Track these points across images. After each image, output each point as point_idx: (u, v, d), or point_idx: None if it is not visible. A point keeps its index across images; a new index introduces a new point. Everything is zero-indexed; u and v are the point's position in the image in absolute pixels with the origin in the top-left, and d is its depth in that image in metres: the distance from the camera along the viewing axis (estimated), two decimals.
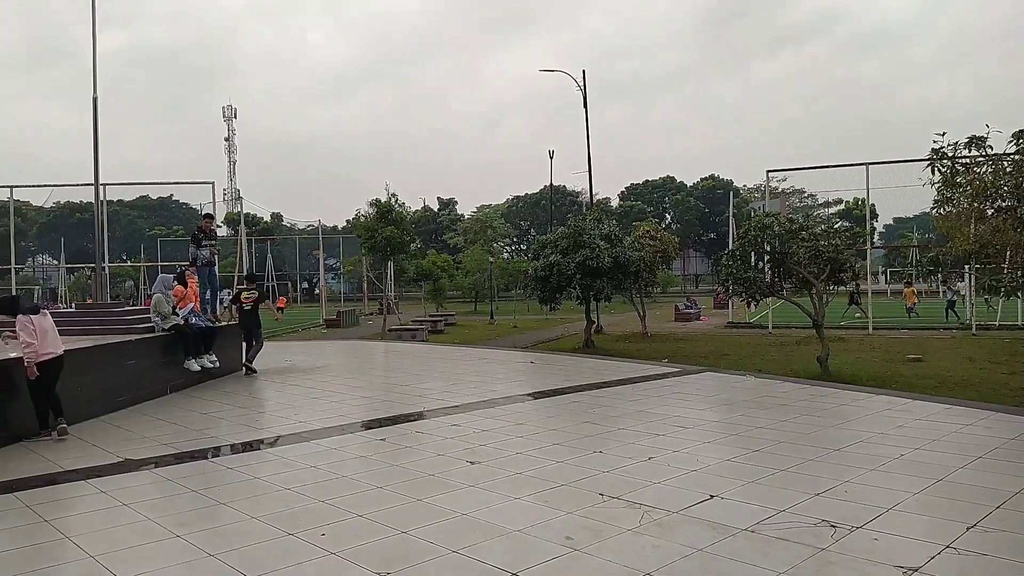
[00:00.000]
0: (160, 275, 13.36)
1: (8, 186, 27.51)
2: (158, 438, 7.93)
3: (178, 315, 11.46)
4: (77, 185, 34.74)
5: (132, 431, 8.32)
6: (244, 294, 13.81)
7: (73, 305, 29.87)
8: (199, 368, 11.49)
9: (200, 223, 15.10)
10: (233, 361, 13.40)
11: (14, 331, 7.76)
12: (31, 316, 7.75)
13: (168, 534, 4.82)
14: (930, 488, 5.54)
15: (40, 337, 7.68)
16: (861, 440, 7.20)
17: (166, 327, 11.31)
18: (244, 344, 13.65)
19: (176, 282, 11.92)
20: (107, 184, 24.43)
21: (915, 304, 28.73)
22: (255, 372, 13.31)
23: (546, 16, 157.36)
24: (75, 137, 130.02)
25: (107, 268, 20.99)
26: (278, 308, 19.94)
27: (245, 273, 23.29)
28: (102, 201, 15.71)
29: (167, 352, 11.16)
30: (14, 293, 7.59)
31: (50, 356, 7.79)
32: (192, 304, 12.00)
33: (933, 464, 6.22)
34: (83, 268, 57.16)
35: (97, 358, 9.52)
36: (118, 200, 68.89)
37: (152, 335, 11.21)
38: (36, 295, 46.75)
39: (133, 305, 17.56)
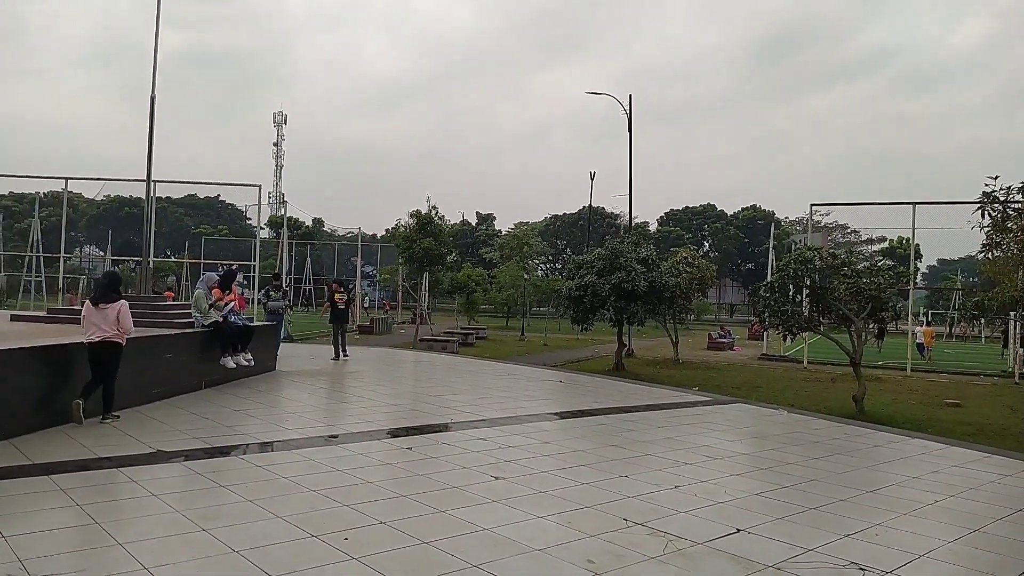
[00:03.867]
0: (204, 273, 13.64)
1: (64, 177, 28.35)
2: (190, 432, 8.07)
3: (219, 309, 11.63)
4: (129, 180, 35.56)
5: (165, 423, 8.48)
6: (336, 295, 17.66)
7: None
8: (234, 365, 11.67)
9: (273, 281, 18.39)
10: (267, 360, 13.59)
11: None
12: (86, 302, 8.54)
13: (194, 527, 4.89)
14: (965, 538, 5.38)
15: (84, 321, 8.40)
16: (895, 483, 7.03)
17: (206, 323, 11.51)
18: (334, 336, 17.24)
19: (219, 282, 12.11)
20: (158, 181, 25.04)
21: (930, 347, 27.76)
22: (347, 357, 16.85)
23: (598, 39, 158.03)
24: (129, 133, 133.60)
25: (151, 262, 21.49)
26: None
27: (274, 273, 24.05)
28: (152, 197, 16.10)
29: (204, 348, 11.36)
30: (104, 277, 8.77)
31: (91, 340, 8.29)
32: (233, 303, 12.20)
33: (969, 513, 6.04)
34: (127, 261, 58.61)
35: (136, 350, 9.71)
36: (166, 197, 70.53)
37: (191, 330, 11.42)
38: (81, 285, 48.00)
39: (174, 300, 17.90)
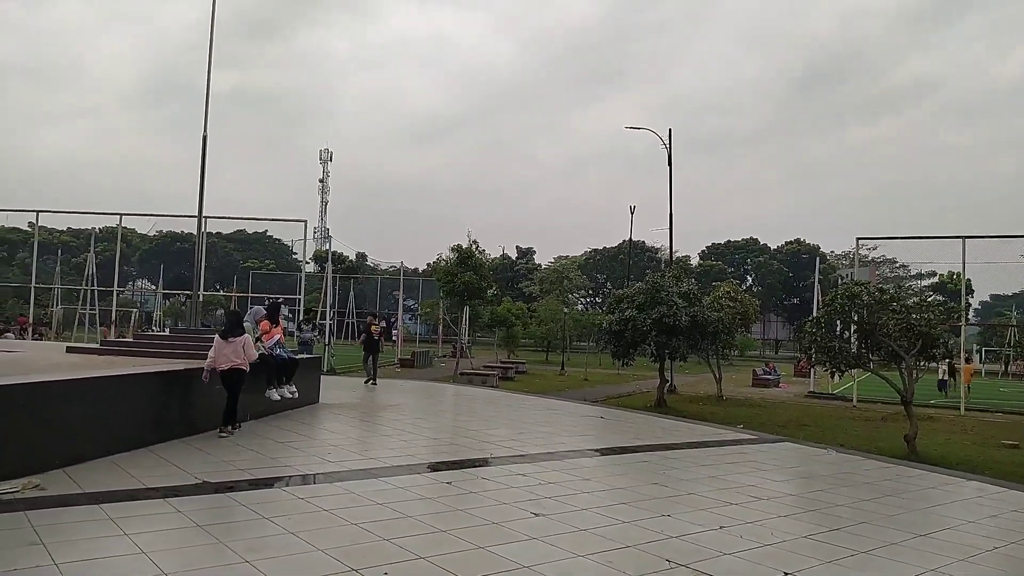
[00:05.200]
0: (252, 306, 13.93)
1: (118, 213, 29.38)
2: (235, 463, 8.19)
3: (264, 346, 11.85)
4: (180, 216, 36.67)
5: (211, 454, 8.62)
6: (372, 327, 20.34)
7: (167, 329, 31.40)
8: (279, 398, 11.83)
9: (306, 315, 21.75)
10: (311, 394, 13.76)
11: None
12: (216, 337, 10.10)
13: (238, 559, 4.95)
14: None
15: (216, 353, 9.86)
16: (949, 527, 6.77)
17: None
18: (369, 361, 19.72)
19: (267, 316, 12.37)
20: (208, 217, 25.79)
21: (967, 383, 26.46)
22: (375, 384, 18.62)
23: (636, 72, 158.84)
24: (181, 170, 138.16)
25: (201, 296, 22.03)
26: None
27: (306, 307, 24.98)
28: (203, 233, 16.57)
29: (250, 380, 11.55)
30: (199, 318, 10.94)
31: (224, 368, 9.84)
32: (278, 336, 12.41)
33: None
34: (178, 295, 60.14)
35: (185, 381, 9.95)
36: (216, 232, 72.48)
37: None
38: (132, 318, 49.33)
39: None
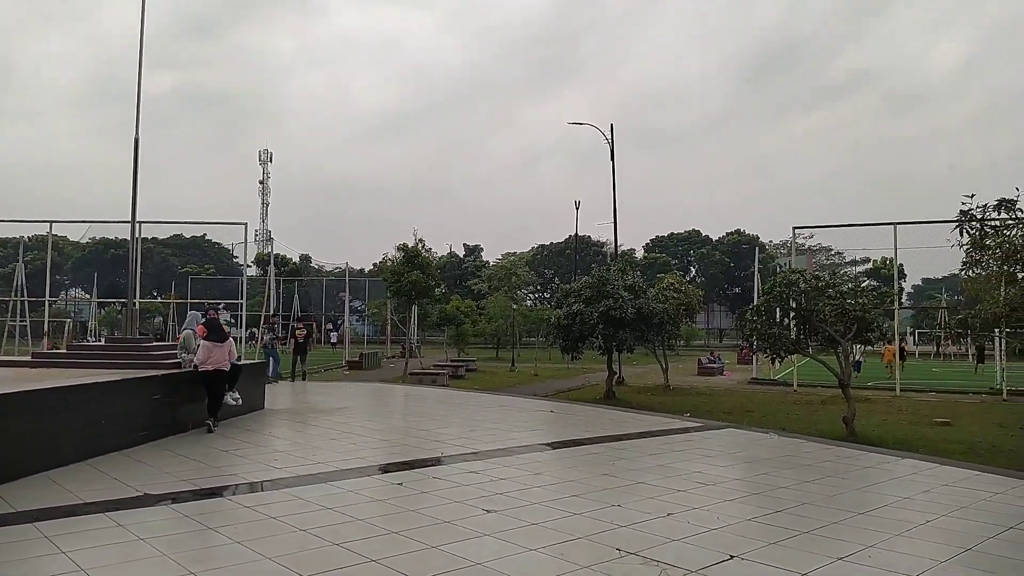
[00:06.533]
0: (190, 312, 13.58)
1: (48, 220, 28.21)
2: (177, 473, 7.98)
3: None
4: (113, 222, 35.41)
5: (152, 465, 8.38)
6: (297, 331, 23.25)
7: (103, 339, 30.37)
8: (233, 402, 11.56)
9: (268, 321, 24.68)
10: (256, 400, 13.49)
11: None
12: (205, 342, 11.05)
13: (182, 571, 4.82)
14: (957, 557, 5.38)
15: (206, 355, 10.90)
16: (887, 504, 7.04)
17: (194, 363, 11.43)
18: (297, 363, 22.47)
19: (204, 321, 12.06)
20: (143, 222, 25.00)
21: (889, 363, 27.60)
22: (304, 380, 21.38)
23: (586, 67, 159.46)
24: (115, 175, 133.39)
25: (137, 304, 21.36)
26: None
27: (271, 312, 25.43)
28: (137, 238, 16.07)
29: (192, 388, 11.27)
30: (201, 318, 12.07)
31: (208, 369, 10.94)
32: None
33: (960, 532, 6.05)
34: (114, 303, 58.22)
35: (122, 391, 9.65)
36: (152, 237, 70.43)
37: (178, 371, 11.34)
38: (67, 328, 47.53)
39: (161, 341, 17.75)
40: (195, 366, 10.98)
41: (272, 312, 30.06)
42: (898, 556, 5.35)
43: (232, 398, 11.74)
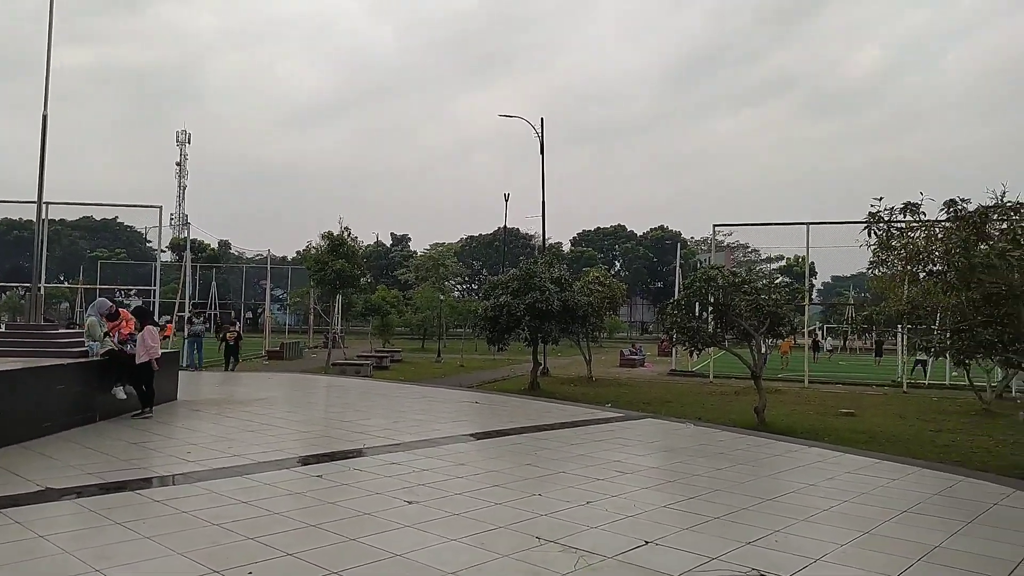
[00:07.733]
0: (96, 299, 12.97)
1: None
2: (84, 467, 7.63)
3: (113, 341, 11.07)
4: (17, 202, 33.46)
5: (56, 459, 7.99)
6: (228, 335, 23.62)
7: (3, 325, 28.67)
8: (125, 396, 11.08)
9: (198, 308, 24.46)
10: (169, 390, 13.01)
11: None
12: (152, 329, 11.25)
13: (87, 568, 4.62)
14: (857, 540, 5.68)
15: (155, 342, 11.11)
16: (793, 491, 7.36)
17: (102, 352, 10.94)
18: (226, 359, 23.20)
19: (134, 310, 11.66)
20: (50, 203, 23.72)
21: (785, 355, 30.16)
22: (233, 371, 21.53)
23: (520, 60, 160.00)
24: (23, 153, 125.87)
25: (43, 288, 20.25)
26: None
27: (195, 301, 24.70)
28: (44, 219, 15.23)
29: (100, 378, 10.78)
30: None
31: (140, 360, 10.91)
32: (130, 330, 11.62)
33: (861, 516, 6.38)
34: (16, 287, 55.01)
35: (23, 381, 9.15)
36: (60, 219, 66.70)
37: (85, 360, 10.83)
38: None
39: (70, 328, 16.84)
40: (150, 359, 10.98)
41: (188, 299, 29.00)
42: (803, 540, 5.61)
43: (126, 390, 11.18)
